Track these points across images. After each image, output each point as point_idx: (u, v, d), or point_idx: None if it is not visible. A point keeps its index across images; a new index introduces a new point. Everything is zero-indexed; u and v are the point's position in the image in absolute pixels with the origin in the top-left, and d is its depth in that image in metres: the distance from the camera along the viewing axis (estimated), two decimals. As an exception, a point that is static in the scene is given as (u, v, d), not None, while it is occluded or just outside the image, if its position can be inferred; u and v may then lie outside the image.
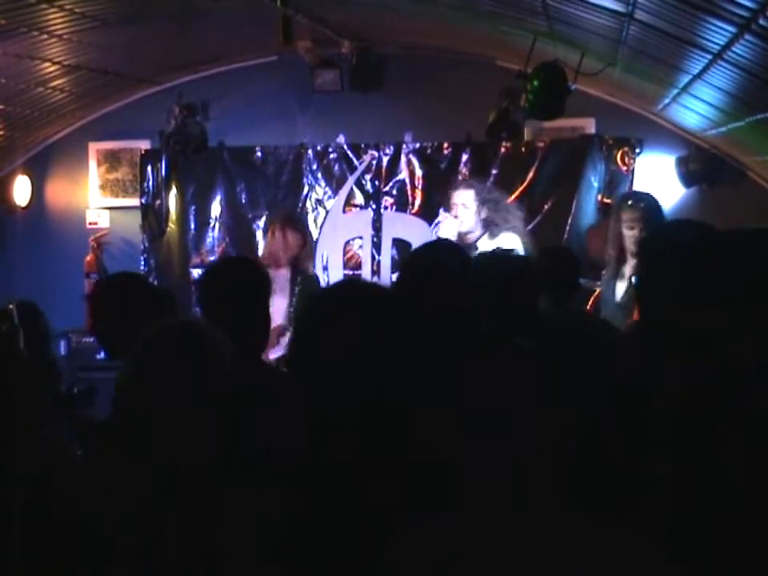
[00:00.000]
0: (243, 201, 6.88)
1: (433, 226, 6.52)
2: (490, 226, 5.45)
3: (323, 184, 6.82)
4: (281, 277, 5.76)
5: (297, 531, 1.74)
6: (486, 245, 5.24)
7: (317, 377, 1.88)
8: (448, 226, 5.49)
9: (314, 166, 6.81)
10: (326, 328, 1.92)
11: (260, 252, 6.39)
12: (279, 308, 5.21)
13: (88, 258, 6.77)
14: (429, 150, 6.66)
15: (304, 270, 5.74)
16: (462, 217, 5.46)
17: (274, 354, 4.99)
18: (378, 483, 1.73)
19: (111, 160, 7.20)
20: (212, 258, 6.89)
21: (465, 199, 5.50)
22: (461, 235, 5.41)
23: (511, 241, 5.23)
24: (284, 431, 1.90)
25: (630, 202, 5.20)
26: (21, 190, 7.20)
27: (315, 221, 6.84)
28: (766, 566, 1.58)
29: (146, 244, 7.01)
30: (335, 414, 1.82)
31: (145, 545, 1.88)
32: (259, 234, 6.82)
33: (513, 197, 6.46)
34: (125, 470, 1.96)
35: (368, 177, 6.75)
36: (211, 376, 2.01)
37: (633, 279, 4.52)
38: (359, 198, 6.81)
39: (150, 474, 1.92)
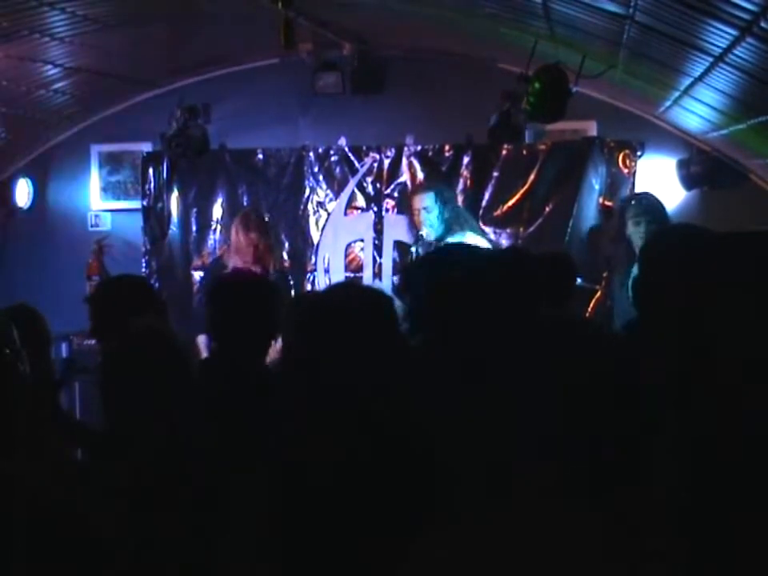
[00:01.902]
0: (245, 203, 6.85)
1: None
2: (453, 226, 5.51)
3: (324, 186, 6.81)
4: None
5: (297, 532, 1.74)
6: None
7: (316, 378, 1.88)
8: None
9: (316, 169, 6.80)
10: (323, 330, 1.93)
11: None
12: None
13: (90, 260, 6.77)
14: (430, 153, 6.64)
15: (272, 270, 5.69)
16: (426, 221, 5.56)
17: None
18: (377, 485, 1.73)
19: (113, 162, 7.21)
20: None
21: (427, 203, 5.62)
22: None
23: (475, 240, 5.26)
24: (284, 431, 1.90)
25: (632, 202, 5.46)
26: (22, 193, 7.22)
27: (317, 223, 6.84)
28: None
29: (148, 246, 7.01)
30: (335, 415, 1.82)
31: (143, 545, 1.88)
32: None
33: (514, 199, 6.48)
34: (119, 472, 1.97)
35: (369, 179, 6.74)
36: (179, 374, 2.05)
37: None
38: (360, 201, 6.80)
39: (144, 474, 1.92)
